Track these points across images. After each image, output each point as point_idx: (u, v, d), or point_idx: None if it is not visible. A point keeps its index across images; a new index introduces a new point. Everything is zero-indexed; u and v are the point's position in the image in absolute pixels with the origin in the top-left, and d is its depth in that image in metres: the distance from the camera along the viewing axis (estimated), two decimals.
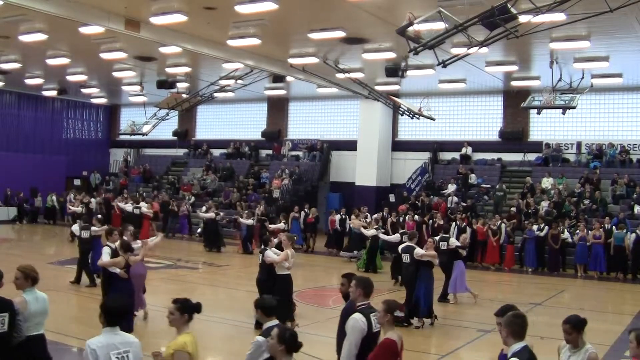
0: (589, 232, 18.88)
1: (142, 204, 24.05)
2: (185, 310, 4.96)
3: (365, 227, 19.10)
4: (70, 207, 24.73)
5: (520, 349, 4.47)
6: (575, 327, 5.23)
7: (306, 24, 16.61)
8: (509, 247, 19.90)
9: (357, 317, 5.49)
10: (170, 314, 4.97)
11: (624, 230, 18.70)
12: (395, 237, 15.53)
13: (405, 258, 11.60)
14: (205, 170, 30.83)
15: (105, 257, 9.85)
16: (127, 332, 4.89)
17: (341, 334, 5.79)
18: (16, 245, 22.47)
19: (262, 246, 11.12)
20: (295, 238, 13.29)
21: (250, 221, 21.67)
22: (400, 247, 12.07)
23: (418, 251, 11.53)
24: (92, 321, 6.14)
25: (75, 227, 15.50)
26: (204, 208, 23.60)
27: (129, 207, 24.30)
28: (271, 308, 5.33)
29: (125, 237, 10.96)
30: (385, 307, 5.34)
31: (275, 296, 10.54)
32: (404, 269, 11.72)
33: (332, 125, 30.56)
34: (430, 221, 21.47)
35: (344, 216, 22.74)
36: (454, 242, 14.09)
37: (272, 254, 10.82)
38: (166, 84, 24.98)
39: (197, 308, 5.03)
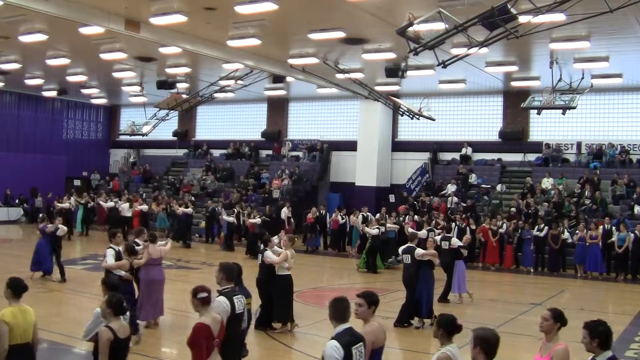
0: (588, 232, 18.87)
1: (124, 205, 24.03)
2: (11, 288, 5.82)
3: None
4: (58, 204, 24.72)
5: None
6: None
7: (306, 24, 16.62)
8: (508, 247, 19.90)
9: (220, 300, 6.04)
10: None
11: (627, 231, 18.68)
12: (422, 234, 15.60)
13: (406, 259, 11.57)
14: (205, 170, 30.84)
15: (110, 259, 9.77)
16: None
17: None
18: (16, 246, 22.47)
19: (262, 246, 11.08)
20: (295, 239, 13.30)
21: (231, 218, 22.36)
22: (400, 249, 12.04)
23: (419, 251, 11.51)
24: None
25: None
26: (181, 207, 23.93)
27: (110, 204, 24.33)
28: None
29: (139, 240, 10.91)
30: (192, 292, 5.69)
31: (275, 297, 10.62)
32: (405, 269, 11.70)
33: (332, 125, 30.56)
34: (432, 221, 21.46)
35: (344, 216, 22.75)
36: (456, 241, 14.11)
37: (271, 255, 10.76)
38: (166, 84, 24.97)
39: (23, 288, 5.85)
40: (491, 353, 4.38)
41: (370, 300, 5.30)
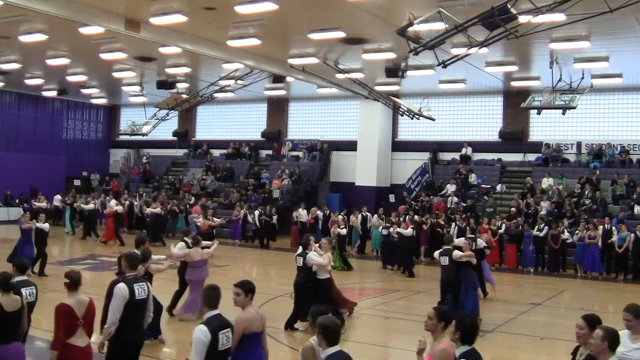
0: (587, 232, 18.86)
1: (111, 203, 24.14)
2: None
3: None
4: (36, 203, 24.79)
5: None
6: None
7: (306, 24, 16.61)
8: (511, 246, 19.87)
9: (120, 287, 6.30)
10: None
11: (627, 231, 18.67)
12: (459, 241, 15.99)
13: (444, 261, 11.74)
14: (205, 170, 30.84)
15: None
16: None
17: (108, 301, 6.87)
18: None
19: (302, 249, 11.02)
20: (333, 242, 13.49)
21: (158, 210, 23.32)
22: (437, 252, 12.23)
23: (457, 253, 11.70)
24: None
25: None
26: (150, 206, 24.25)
27: (90, 206, 24.31)
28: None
29: (187, 239, 11.52)
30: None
31: (314, 299, 10.64)
32: (443, 271, 11.83)
33: (332, 125, 30.56)
34: (430, 221, 21.46)
35: (344, 216, 22.75)
36: (481, 242, 14.34)
37: (315, 257, 10.78)
38: (166, 84, 24.98)
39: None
40: (331, 340, 4.56)
41: (247, 288, 5.74)
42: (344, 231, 19.78)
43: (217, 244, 12.54)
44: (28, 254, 14.74)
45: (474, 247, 14.00)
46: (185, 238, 11.71)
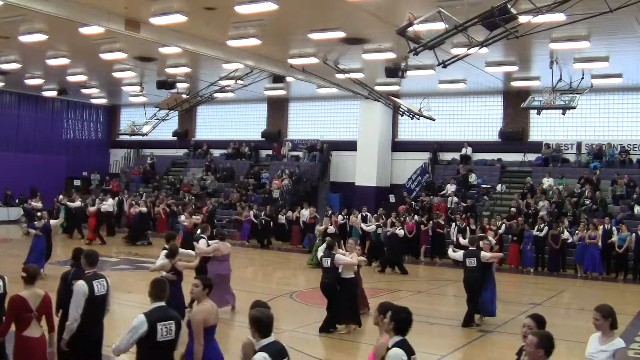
0: (587, 232, 18.86)
1: (105, 204, 24.24)
2: None
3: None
4: (32, 202, 25.01)
5: None
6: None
7: (306, 24, 16.61)
8: (512, 246, 19.86)
9: (80, 284, 6.51)
10: None
11: (628, 232, 18.67)
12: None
13: (471, 262, 11.72)
14: (205, 170, 30.83)
15: (158, 261, 10.19)
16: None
17: (62, 294, 7.21)
18: (16, 246, 22.45)
19: (327, 250, 11.02)
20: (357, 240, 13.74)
21: (144, 209, 23.57)
22: (463, 253, 12.23)
23: (485, 254, 11.74)
24: None
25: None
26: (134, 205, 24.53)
27: (77, 204, 24.37)
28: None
29: (205, 235, 11.86)
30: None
31: (340, 299, 10.69)
32: (469, 272, 11.82)
33: (332, 125, 30.55)
34: (430, 222, 21.48)
35: (344, 217, 22.75)
36: (492, 240, 14.57)
37: (344, 257, 10.83)
38: (166, 84, 24.97)
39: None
40: (265, 332, 4.74)
41: (206, 283, 6.10)
42: (322, 228, 19.92)
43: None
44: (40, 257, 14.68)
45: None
46: (202, 235, 11.92)
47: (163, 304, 5.52)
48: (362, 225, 19.82)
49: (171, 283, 9.95)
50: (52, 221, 15.79)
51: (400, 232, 18.99)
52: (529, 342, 4.52)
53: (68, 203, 24.73)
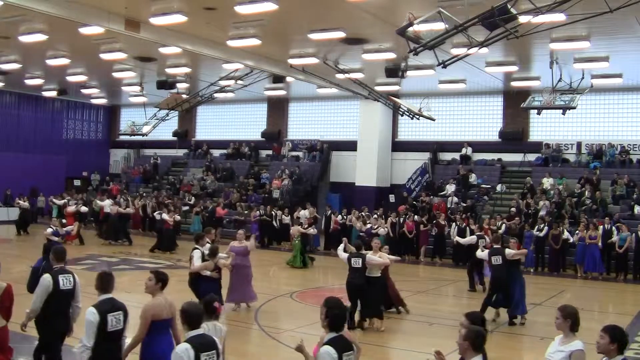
0: (587, 232, 18.84)
1: (105, 203, 24.33)
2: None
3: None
4: (19, 201, 25.66)
5: None
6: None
7: (306, 24, 16.61)
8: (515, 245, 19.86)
9: (45, 277, 6.73)
10: None
11: (628, 232, 18.66)
12: (471, 239, 16.38)
13: (496, 260, 11.85)
14: (205, 170, 30.83)
15: (197, 261, 10.55)
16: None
17: (32, 286, 7.43)
18: (16, 246, 22.47)
19: (356, 250, 11.14)
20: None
21: (123, 209, 23.42)
22: (486, 251, 12.35)
23: (510, 252, 11.87)
24: None
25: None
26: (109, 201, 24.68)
27: (61, 202, 24.82)
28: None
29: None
30: None
31: (369, 297, 10.82)
32: (494, 270, 11.96)
33: (332, 125, 30.56)
34: (431, 222, 21.49)
35: (344, 216, 22.75)
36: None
37: (375, 258, 10.98)
38: (166, 84, 24.97)
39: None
40: (193, 324, 4.92)
41: (159, 277, 6.10)
42: (310, 231, 20.23)
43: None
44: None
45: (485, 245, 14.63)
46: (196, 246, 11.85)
47: (110, 295, 5.82)
48: (458, 238, 18.21)
49: (213, 280, 10.50)
50: (68, 227, 16.04)
51: (382, 231, 19.24)
52: (459, 334, 4.69)
53: (55, 201, 25.35)
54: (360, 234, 19.99)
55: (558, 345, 5.17)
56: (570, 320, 5.14)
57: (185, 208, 26.61)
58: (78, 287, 6.91)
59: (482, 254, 12.85)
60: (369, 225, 20.70)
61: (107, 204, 24.09)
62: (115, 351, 5.75)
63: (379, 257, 11.09)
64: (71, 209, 23.74)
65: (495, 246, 12.20)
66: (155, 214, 23.75)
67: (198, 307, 5.04)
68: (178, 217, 22.56)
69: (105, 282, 5.88)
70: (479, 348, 4.54)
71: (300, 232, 19.29)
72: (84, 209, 24.18)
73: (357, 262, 10.85)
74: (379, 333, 10.86)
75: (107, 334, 5.60)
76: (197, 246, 10.78)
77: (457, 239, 16.54)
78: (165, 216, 21.51)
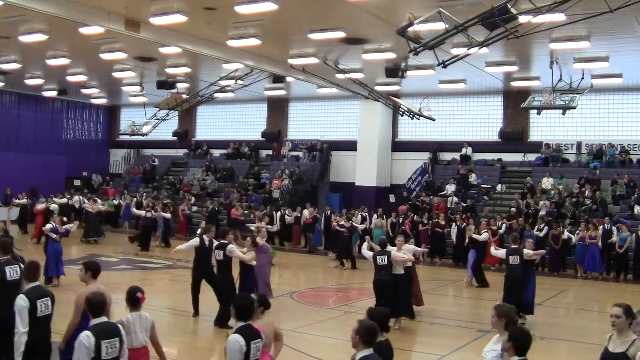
0: (587, 232, 18.84)
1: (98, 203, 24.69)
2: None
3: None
4: (16, 199, 25.92)
5: None
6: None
7: (306, 24, 16.62)
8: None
9: None
10: None
11: (628, 232, 18.66)
12: (484, 237, 16.54)
13: (514, 260, 11.86)
14: (205, 170, 30.84)
15: (237, 253, 10.84)
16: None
17: None
18: (16, 246, 22.41)
19: (381, 248, 11.17)
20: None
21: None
22: (506, 251, 12.33)
23: (528, 252, 11.90)
24: None
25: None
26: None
27: (23, 201, 25.49)
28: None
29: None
30: None
31: (395, 295, 10.86)
32: (511, 269, 11.93)
33: (332, 125, 30.56)
34: (430, 222, 21.48)
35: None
36: (485, 236, 15.10)
37: (400, 254, 11.05)
38: (166, 84, 24.98)
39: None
40: (95, 312, 5.15)
41: (87, 267, 6.45)
42: (274, 228, 20.28)
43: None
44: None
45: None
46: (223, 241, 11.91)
47: (38, 283, 6.17)
48: (476, 235, 17.36)
49: (250, 268, 10.93)
50: (68, 225, 15.77)
51: (361, 226, 19.77)
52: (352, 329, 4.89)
53: (17, 200, 25.83)
54: (341, 229, 19.68)
55: (493, 344, 5.22)
56: (504, 320, 5.16)
57: (195, 208, 26.66)
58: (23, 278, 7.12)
59: (498, 252, 12.83)
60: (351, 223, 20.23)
61: (99, 204, 24.33)
62: (46, 335, 6.08)
63: (402, 254, 11.19)
64: (41, 206, 23.39)
65: (513, 246, 12.14)
66: (84, 205, 24.61)
67: (100, 297, 5.21)
68: (101, 207, 24.28)
69: (32, 271, 6.19)
70: (368, 343, 4.74)
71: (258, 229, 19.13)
72: (53, 206, 23.95)
73: (382, 260, 10.92)
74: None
75: (37, 319, 5.89)
76: (223, 241, 10.90)
77: (475, 236, 16.56)
78: (86, 205, 23.47)
